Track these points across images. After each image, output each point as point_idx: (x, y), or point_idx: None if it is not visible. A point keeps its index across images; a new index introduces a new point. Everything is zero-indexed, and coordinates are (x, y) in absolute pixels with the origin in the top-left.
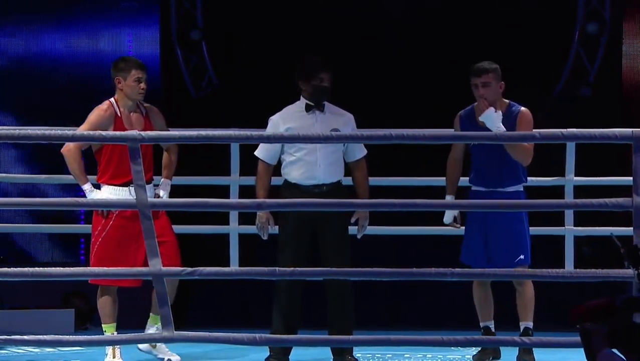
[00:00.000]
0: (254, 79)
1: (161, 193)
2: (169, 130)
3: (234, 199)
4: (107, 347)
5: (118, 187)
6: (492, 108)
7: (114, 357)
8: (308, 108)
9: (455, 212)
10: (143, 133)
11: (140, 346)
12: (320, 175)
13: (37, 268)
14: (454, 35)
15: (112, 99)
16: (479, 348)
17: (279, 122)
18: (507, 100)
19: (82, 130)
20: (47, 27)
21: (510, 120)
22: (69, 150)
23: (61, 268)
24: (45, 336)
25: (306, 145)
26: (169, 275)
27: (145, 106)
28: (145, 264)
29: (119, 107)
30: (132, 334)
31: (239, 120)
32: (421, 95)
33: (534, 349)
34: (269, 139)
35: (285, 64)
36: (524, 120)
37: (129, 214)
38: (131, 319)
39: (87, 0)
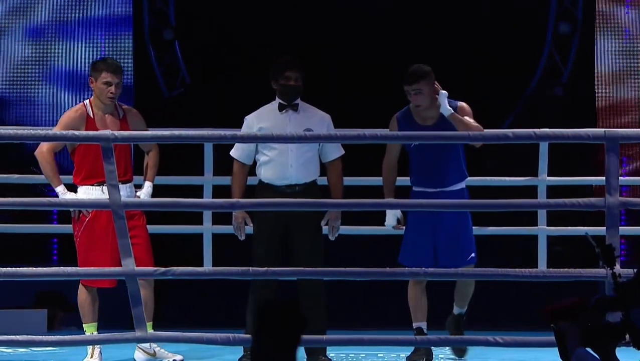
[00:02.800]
0: (227, 79)
1: (141, 195)
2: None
3: (207, 199)
4: (87, 347)
5: (91, 187)
6: (444, 92)
7: (91, 357)
8: (281, 107)
9: (398, 214)
10: (116, 133)
11: (137, 357)
12: (293, 175)
13: (9, 268)
14: (425, 34)
15: (87, 100)
16: (413, 349)
17: (254, 122)
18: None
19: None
20: (16, 23)
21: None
22: (41, 152)
23: (33, 268)
24: (17, 336)
25: (278, 145)
26: (142, 275)
27: (123, 108)
28: (116, 265)
29: (92, 108)
30: (103, 334)
31: (212, 119)
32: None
33: (506, 349)
34: (242, 139)
35: (259, 63)
36: (465, 111)
37: (97, 215)
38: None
39: None
